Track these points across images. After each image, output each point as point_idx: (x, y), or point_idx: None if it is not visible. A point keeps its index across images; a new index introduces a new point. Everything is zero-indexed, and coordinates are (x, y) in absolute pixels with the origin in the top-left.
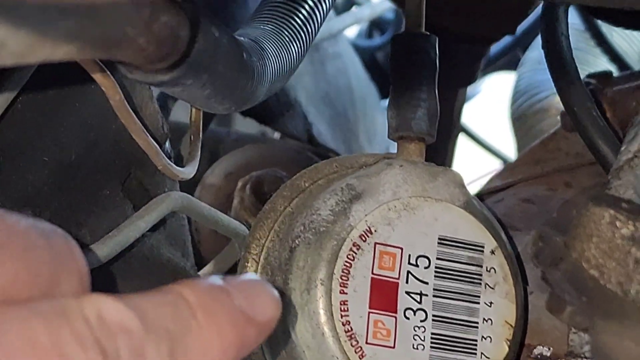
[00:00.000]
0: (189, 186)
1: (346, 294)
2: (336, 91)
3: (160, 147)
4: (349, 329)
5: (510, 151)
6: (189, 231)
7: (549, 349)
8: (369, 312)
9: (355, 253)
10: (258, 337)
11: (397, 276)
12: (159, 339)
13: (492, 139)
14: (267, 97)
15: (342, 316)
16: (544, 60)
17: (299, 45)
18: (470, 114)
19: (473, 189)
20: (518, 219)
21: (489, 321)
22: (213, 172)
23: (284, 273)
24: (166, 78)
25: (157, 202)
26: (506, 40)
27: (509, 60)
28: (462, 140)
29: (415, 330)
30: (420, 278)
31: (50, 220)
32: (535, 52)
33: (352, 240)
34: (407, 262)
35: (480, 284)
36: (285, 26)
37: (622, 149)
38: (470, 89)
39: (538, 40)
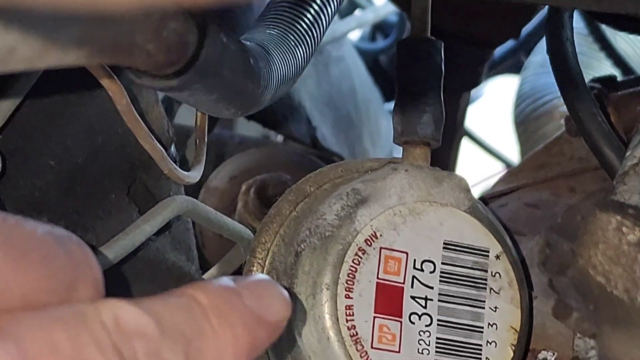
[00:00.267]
0: (193, 189)
1: (351, 298)
2: (340, 94)
3: (166, 151)
4: (355, 333)
5: (513, 154)
6: (193, 235)
7: (554, 354)
8: (374, 317)
9: (361, 258)
10: (270, 337)
11: (402, 281)
12: (174, 343)
13: (495, 142)
14: (273, 101)
15: (347, 321)
16: (547, 64)
17: (304, 50)
18: (473, 117)
19: (476, 192)
20: (522, 224)
21: (494, 326)
22: (217, 176)
23: (290, 277)
24: (174, 83)
25: (163, 206)
26: (509, 43)
27: (512, 64)
28: (464, 143)
29: (420, 335)
30: (426, 283)
31: (57, 224)
32: (539, 56)
33: (357, 244)
34: (412, 266)
35: (485, 288)
36: (291, 30)
37: (628, 154)
38: (473, 92)
39: (541, 44)
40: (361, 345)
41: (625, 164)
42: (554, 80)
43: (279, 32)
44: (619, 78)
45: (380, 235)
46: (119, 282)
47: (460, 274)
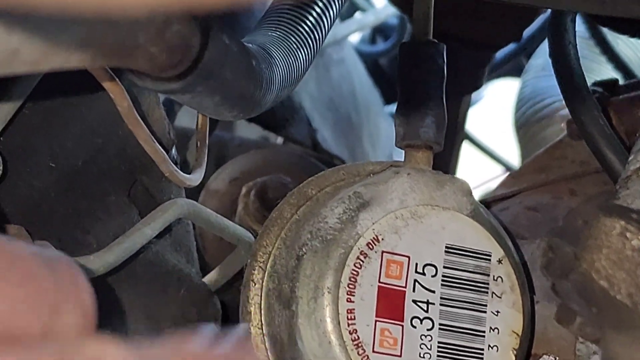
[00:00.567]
0: (193, 191)
1: (353, 302)
2: (340, 97)
3: (167, 154)
4: (356, 337)
5: (513, 157)
6: (193, 237)
7: (555, 358)
8: (376, 321)
9: (363, 261)
10: None
11: (404, 284)
12: None
13: (495, 144)
14: (275, 104)
15: (349, 324)
16: (548, 67)
17: (306, 52)
18: (473, 120)
19: (475, 195)
20: (524, 227)
21: (496, 330)
22: (217, 178)
23: (291, 281)
24: (176, 86)
25: (164, 209)
26: (510, 46)
27: (512, 67)
28: (464, 146)
29: (421, 339)
30: (427, 286)
31: (57, 226)
32: (540, 59)
33: (359, 248)
34: (414, 270)
35: (487, 292)
36: (292, 33)
37: (630, 158)
38: (473, 95)
39: (542, 47)
40: (362, 349)
41: (628, 168)
42: (555, 84)
43: (280, 34)
44: (620, 82)
45: (382, 239)
46: (119, 285)
47: (462, 278)
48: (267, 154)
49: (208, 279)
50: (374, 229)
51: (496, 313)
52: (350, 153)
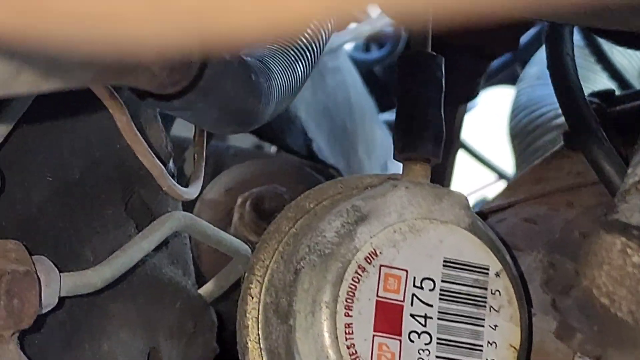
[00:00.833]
0: (188, 201)
1: (351, 316)
2: (335, 105)
3: (165, 167)
4: (354, 352)
5: (507, 165)
6: (190, 249)
7: None
8: (374, 335)
9: (361, 275)
10: None
11: (402, 299)
12: None
13: (488, 152)
14: (273, 117)
15: (346, 339)
16: (544, 75)
17: (304, 64)
18: (467, 128)
19: (469, 202)
20: (520, 239)
21: (494, 344)
22: (213, 188)
23: (289, 295)
24: (177, 103)
25: (161, 222)
26: (505, 55)
27: (507, 75)
28: (458, 153)
29: (419, 354)
30: (425, 301)
31: (54, 240)
32: (535, 67)
33: (357, 262)
34: (412, 284)
35: (485, 306)
36: (290, 45)
37: (629, 171)
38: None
39: (537, 55)
40: None
41: (627, 182)
42: (550, 92)
43: (278, 47)
44: (616, 91)
45: (380, 253)
46: (116, 298)
47: (460, 292)
48: (262, 164)
49: (204, 290)
50: (372, 243)
51: (494, 327)
52: (345, 162)
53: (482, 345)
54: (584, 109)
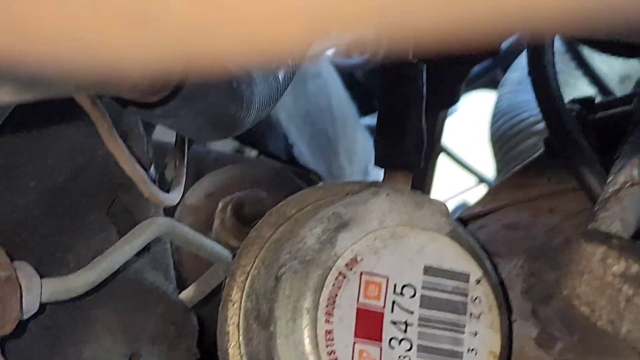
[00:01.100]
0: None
1: (332, 323)
2: (317, 110)
3: (146, 172)
4: (335, 358)
5: (487, 169)
6: (171, 254)
7: None
8: (355, 342)
9: (341, 282)
10: None
11: (382, 305)
12: None
13: (469, 156)
14: (254, 123)
15: (327, 346)
16: (525, 81)
17: (285, 71)
18: (447, 132)
19: (450, 206)
20: (501, 246)
21: (474, 351)
22: (194, 193)
23: (270, 301)
24: (159, 112)
25: (143, 228)
26: (486, 60)
27: (488, 79)
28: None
29: None
30: (406, 307)
31: (37, 245)
32: (516, 72)
33: (338, 269)
34: (392, 291)
35: (465, 313)
36: None
37: (609, 179)
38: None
39: (518, 60)
40: None
41: (607, 190)
42: (531, 98)
43: None
44: (596, 97)
45: (361, 260)
46: (97, 304)
47: (440, 299)
48: (243, 169)
49: (185, 295)
50: (352, 250)
51: (474, 334)
52: (326, 167)
53: (462, 352)
54: (564, 116)
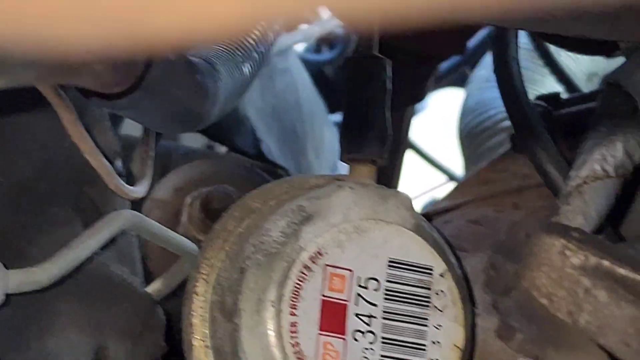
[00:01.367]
0: (137, 200)
1: (296, 315)
2: (285, 106)
3: (112, 165)
4: (299, 350)
5: (456, 166)
6: (137, 248)
7: None
8: (319, 334)
9: (306, 275)
10: None
11: (346, 298)
12: None
13: (438, 154)
14: (220, 117)
15: (291, 338)
16: (492, 78)
17: (251, 65)
18: (416, 129)
19: (418, 203)
20: (466, 240)
21: (438, 344)
22: (161, 187)
23: (234, 294)
24: (122, 102)
25: (108, 221)
26: (454, 58)
27: (456, 77)
28: (407, 155)
29: (364, 352)
30: (370, 300)
31: (1, 239)
32: (483, 70)
33: (302, 262)
34: (356, 284)
35: (429, 306)
36: (237, 46)
37: (571, 174)
38: (417, 104)
39: (486, 58)
40: None
41: (569, 184)
42: (499, 95)
43: (225, 47)
44: (563, 94)
45: (325, 253)
46: (63, 297)
47: (404, 292)
48: (211, 164)
49: (152, 288)
50: (317, 243)
51: (438, 327)
52: (295, 163)
53: (426, 345)
54: (528, 112)
